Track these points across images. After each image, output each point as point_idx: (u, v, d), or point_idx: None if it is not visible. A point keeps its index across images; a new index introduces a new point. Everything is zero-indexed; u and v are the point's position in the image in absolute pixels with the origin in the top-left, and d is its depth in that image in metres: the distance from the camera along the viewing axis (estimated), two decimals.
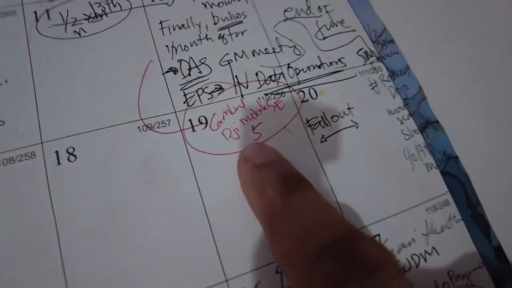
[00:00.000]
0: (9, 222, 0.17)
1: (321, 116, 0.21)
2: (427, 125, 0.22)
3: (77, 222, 0.18)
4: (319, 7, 0.24)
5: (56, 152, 0.19)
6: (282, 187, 0.17)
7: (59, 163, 0.18)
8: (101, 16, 0.22)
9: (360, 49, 0.24)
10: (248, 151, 0.19)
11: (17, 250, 0.17)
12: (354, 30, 0.24)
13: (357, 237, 0.15)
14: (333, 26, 0.24)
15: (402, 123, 0.22)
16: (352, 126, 0.22)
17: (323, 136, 0.21)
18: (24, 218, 0.17)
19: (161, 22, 0.22)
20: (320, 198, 0.17)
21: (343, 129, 0.21)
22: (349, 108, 0.22)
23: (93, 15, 0.22)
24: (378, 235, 0.20)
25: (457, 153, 0.22)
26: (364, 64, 0.23)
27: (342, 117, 0.22)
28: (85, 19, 0.22)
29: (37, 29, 0.21)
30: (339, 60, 0.23)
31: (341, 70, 0.23)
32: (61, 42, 0.21)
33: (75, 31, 0.21)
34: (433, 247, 0.20)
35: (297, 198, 0.16)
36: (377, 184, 0.21)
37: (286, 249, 0.15)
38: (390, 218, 0.20)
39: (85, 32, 0.21)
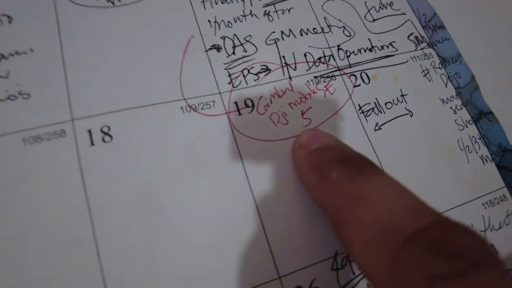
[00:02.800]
0: (38, 209, 0.15)
1: (375, 103, 0.20)
2: (481, 116, 0.21)
3: (113, 210, 0.16)
4: None
5: (89, 131, 0.17)
6: (349, 170, 0.15)
7: (92, 144, 0.16)
8: None
9: (411, 34, 0.22)
10: (304, 137, 0.17)
11: (48, 241, 0.15)
12: (404, 14, 0.23)
13: (449, 225, 0.13)
14: (382, 8, 0.22)
15: (455, 113, 0.21)
16: (407, 114, 0.20)
17: (377, 124, 0.20)
18: (54, 204, 0.15)
19: None
20: (396, 182, 0.15)
21: (397, 117, 0.20)
22: (402, 95, 0.21)
23: None
24: None
25: None
26: (416, 50, 0.22)
27: (396, 104, 0.20)
28: None
29: None
30: (390, 44, 0.22)
31: (393, 55, 0.21)
32: (93, 10, 0.19)
33: (108, 0, 0.19)
34: (491, 245, 0.19)
35: (370, 181, 0.15)
36: (434, 176, 0.19)
37: (364, 237, 0.13)
38: (447, 212, 0.19)
39: (119, 1, 0.19)
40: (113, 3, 0.19)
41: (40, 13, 0.18)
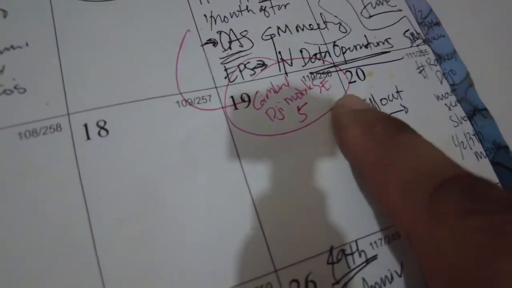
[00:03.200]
0: (33, 204, 0.15)
1: (370, 99, 0.20)
2: (475, 112, 0.21)
3: (109, 206, 0.16)
4: None
5: (85, 125, 0.17)
6: (391, 126, 0.17)
7: (88, 138, 0.16)
8: None
9: (407, 30, 0.22)
10: (346, 99, 0.19)
11: (44, 237, 0.15)
12: (400, 10, 0.23)
13: (478, 177, 0.14)
14: (378, 5, 0.23)
15: (450, 109, 0.21)
16: (401, 110, 0.20)
17: None
18: (50, 199, 0.15)
19: None
20: (430, 142, 0.16)
21: (392, 113, 0.20)
22: (397, 91, 0.21)
23: None
24: None
25: (507, 143, 0.21)
26: (411, 46, 0.22)
27: (391, 101, 0.20)
28: None
29: None
30: (386, 40, 0.22)
31: (389, 51, 0.21)
32: (88, 4, 0.19)
33: None
34: None
35: (410, 136, 0.16)
36: None
37: (403, 179, 0.15)
38: None
39: None
40: None
41: (35, 6, 0.18)
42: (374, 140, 0.16)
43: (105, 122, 0.17)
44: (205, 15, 0.20)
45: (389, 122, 0.17)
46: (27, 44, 0.17)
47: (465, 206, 0.13)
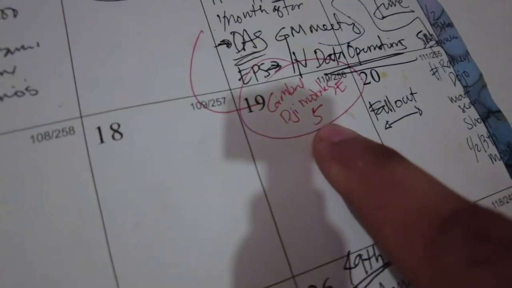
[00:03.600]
0: (47, 208, 0.15)
1: (385, 100, 0.20)
2: (489, 114, 0.21)
3: (123, 209, 0.15)
4: None
5: (99, 128, 0.16)
6: (375, 157, 0.15)
7: (102, 141, 0.16)
8: None
9: (420, 32, 0.22)
10: (325, 131, 0.17)
11: (58, 240, 0.14)
12: (413, 11, 0.23)
13: (482, 210, 0.13)
14: (391, 5, 0.22)
15: (464, 111, 0.21)
16: (416, 112, 0.20)
17: (387, 122, 0.19)
18: (64, 203, 0.15)
19: None
20: (422, 169, 0.15)
21: (407, 115, 0.20)
22: (412, 93, 0.20)
23: None
24: None
25: None
26: (424, 48, 0.22)
27: (406, 103, 0.20)
28: None
29: None
30: (399, 42, 0.21)
31: (402, 53, 0.21)
32: (99, 3, 0.18)
33: None
34: None
35: (398, 167, 0.15)
36: (443, 175, 0.19)
37: (398, 221, 0.13)
38: None
39: None
40: None
41: (46, 5, 0.18)
42: (359, 178, 0.15)
43: (119, 125, 0.16)
44: (218, 15, 0.19)
45: (372, 153, 0.16)
46: (38, 44, 0.17)
47: (470, 253, 0.11)
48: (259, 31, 0.20)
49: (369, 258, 0.17)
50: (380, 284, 0.17)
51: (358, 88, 0.20)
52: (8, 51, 0.16)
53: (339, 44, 0.20)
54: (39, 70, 0.16)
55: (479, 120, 0.21)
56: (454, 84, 0.22)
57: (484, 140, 0.21)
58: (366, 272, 0.17)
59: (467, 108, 0.21)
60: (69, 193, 0.15)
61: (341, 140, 0.17)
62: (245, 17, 0.20)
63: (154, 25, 0.18)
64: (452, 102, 0.21)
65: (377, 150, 0.16)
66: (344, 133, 0.17)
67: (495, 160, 0.20)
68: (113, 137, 0.16)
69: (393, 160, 0.15)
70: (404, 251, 0.13)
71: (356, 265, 0.17)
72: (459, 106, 0.21)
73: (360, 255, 0.17)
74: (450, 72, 0.22)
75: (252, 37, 0.19)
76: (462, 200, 0.13)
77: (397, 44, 0.21)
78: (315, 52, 0.20)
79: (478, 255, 0.11)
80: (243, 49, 0.19)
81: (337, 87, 0.20)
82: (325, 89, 0.19)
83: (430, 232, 0.12)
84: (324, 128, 0.18)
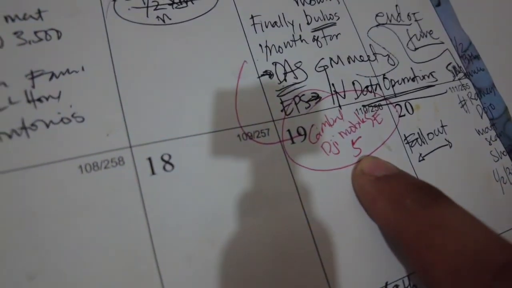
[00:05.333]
0: (98, 240, 0.15)
1: (418, 133, 0.21)
2: None
3: (175, 242, 0.16)
4: (408, 15, 0.23)
5: (149, 159, 0.16)
6: (422, 197, 0.15)
7: (153, 173, 0.16)
8: (186, 2, 0.19)
9: (449, 64, 0.23)
10: (366, 164, 0.18)
11: (110, 275, 0.14)
12: (442, 43, 0.23)
13: None
14: (423, 37, 0.23)
15: (490, 144, 0.22)
16: (446, 145, 0.21)
17: (420, 154, 0.20)
18: (115, 235, 0.15)
19: (252, 17, 0.20)
20: (469, 213, 0.15)
21: (438, 148, 0.21)
22: (442, 126, 0.21)
23: (177, 0, 0.19)
24: None
25: None
26: (454, 80, 0.23)
27: (437, 135, 0.21)
28: (169, 4, 0.19)
29: (114, 9, 0.18)
30: (431, 74, 0.22)
31: (433, 85, 0.22)
32: (144, 27, 0.18)
33: (158, 17, 0.19)
34: None
35: (446, 208, 0.15)
36: (473, 207, 0.20)
37: (449, 265, 0.14)
38: None
39: (170, 19, 0.19)
40: (163, 20, 0.19)
41: (90, 27, 0.17)
42: (407, 216, 0.15)
43: (169, 156, 0.16)
44: (260, 45, 0.20)
45: (420, 192, 0.16)
46: (83, 69, 0.17)
47: None
48: (300, 61, 0.20)
49: None
50: None
51: (394, 121, 0.20)
52: (53, 74, 0.16)
53: (375, 76, 0.21)
54: (85, 96, 0.16)
55: (504, 153, 0.22)
56: (481, 117, 0.22)
57: (510, 173, 0.22)
58: None
59: (493, 141, 0.22)
60: (120, 225, 0.15)
61: (385, 175, 0.17)
62: (285, 47, 0.20)
63: (198, 52, 0.18)
64: (479, 134, 0.22)
65: (424, 189, 0.16)
66: (386, 167, 0.18)
67: None
68: (164, 168, 0.16)
69: (441, 201, 0.15)
70: None
71: None
72: (485, 138, 0.22)
73: (396, 286, 0.18)
74: (477, 105, 0.23)
75: (293, 67, 0.20)
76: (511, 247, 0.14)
77: (428, 77, 0.22)
78: (353, 83, 0.20)
79: None
80: (285, 79, 0.19)
81: (375, 119, 0.20)
82: (363, 121, 0.20)
83: (486, 278, 0.13)
84: (364, 162, 0.18)
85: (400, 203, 0.16)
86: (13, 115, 0.15)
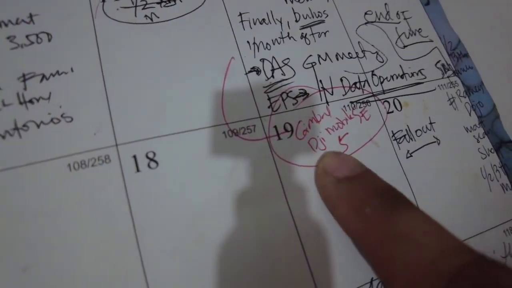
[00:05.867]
0: (84, 237, 0.15)
1: (406, 130, 0.21)
2: (501, 144, 0.22)
3: (159, 238, 0.16)
4: (397, 13, 0.23)
5: (134, 156, 0.16)
6: (382, 205, 0.15)
7: (138, 170, 0.16)
8: (173, 0, 0.19)
9: (438, 61, 0.23)
10: (328, 162, 0.18)
11: (95, 270, 0.14)
12: (431, 41, 0.23)
13: (488, 264, 0.13)
14: (411, 35, 0.23)
15: (478, 141, 0.22)
16: (434, 142, 0.21)
17: (408, 151, 0.20)
18: (102, 232, 0.15)
19: (240, 14, 0.20)
20: (430, 218, 0.15)
21: (426, 144, 0.21)
22: (431, 123, 0.21)
23: None
24: None
25: None
26: (442, 78, 0.23)
27: (425, 132, 0.21)
28: (157, 3, 0.19)
29: (103, 10, 0.18)
30: (420, 71, 0.22)
31: (422, 82, 0.22)
32: (132, 27, 0.18)
33: (146, 16, 0.19)
34: None
35: (405, 217, 0.15)
36: (459, 204, 0.20)
37: (406, 277, 0.14)
38: (471, 239, 0.20)
39: (158, 17, 0.19)
40: (151, 19, 0.19)
41: (79, 29, 0.18)
42: (367, 225, 0.15)
43: (154, 154, 0.16)
44: (248, 42, 0.20)
45: (381, 199, 0.16)
46: (72, 70, 0.17)
47: None
48: (287, 58, 0.20)
49: None
50: None
51: (382, 117, 0.20)
52: (43, 76, 0.16)
53: (364, 73, 0.21)
54: (74, 97, 0.16)
55: (492, 150, 0.22)
56: (470, 114, 0.22)
57: (497, 170, 0.22)
58: None
59: (481, 138, 0.22)
60: (106, 221, 0.15)
61: (347, 177, 0.17)
62: (273, 44, 0.20)
63: (185, 49, 0.18)
64: (467, 132, 0.22)
65: (385, 195, 0.16)
66: (348, 167, 0.17)
67: (507, 189, 0.21)
68: (149, 165, 0.16)
69: (401, 208, 0.15)
70: None
71: None
72: (474, 136, 0.22)
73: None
74: (466, 102, 0.23)
75: (281, 64, 0.20)
76: (469, 251, 0.14)
77: (417, 74, 0.22)
78: (341, 80, 0.20)
79: None
80: (272, 76, 0.19)
81: (362, 115, 0.20)
82: (351, 118, 0.20)
83: (442, 284, 0.13)
84: (327, 159, 0.18)
85: (360, 211, 0.16)
86: (6, 116, 0.16)
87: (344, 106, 0.20)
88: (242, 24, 0.20)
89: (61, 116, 0.16)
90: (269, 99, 0.19)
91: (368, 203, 0.16)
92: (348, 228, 0.17)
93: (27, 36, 0.17)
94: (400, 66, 0.22)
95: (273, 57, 0.20)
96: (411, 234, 0.14)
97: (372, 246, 0.15)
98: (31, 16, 0.17)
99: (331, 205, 0.17)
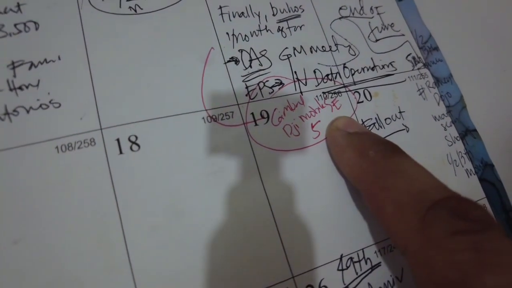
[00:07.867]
0: (72, 213, 0.16)
1: (375, 118, 0.22)
2: (467, 133, 0.24)
3: (141, 215, 0.17)
4: (371, 8, 0.25)
5: (118, 140, 0.17)
6: (384, 150, 0.18)
7: (121, 152, 0.17)
8: None
9: (409, 54, 0.24)
10: (341, 121, 0.20)
11: (81, 244, 0.16)
12: (403, 35, 0.25)
13: (464, 198, 0.16)
14: (384, 29, 0.24)
15: (445, 129, 0.23)
16: (403, 129, 0.22)
17: None
18: (87, 209, 0.16)
19: (220, 7, 0.21)
20: (419, 164, 0.18)
21: (395, 132, 0.22)
22: (400, 112, 0.23)
23: None
24: None
25: (492, 161, 0.23)
26: (413, 70, 0.24)
27: (394, 120, 0.22)
28: None
29: (89, 0, 0.19)
30: (390, 63, 0.24)
31: (392, 74, 0.23)
32: (116, 17, 0.19)
33: (130, 7, 0.20)
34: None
35: (401, 159, 0.18)
36: None
37: (398, 201, 0.16)
38: None
39: (141, 9, 0.20)
40: (135, 10, 0.20)
41: (65, 19, 0.19)
42: (368, 164, 0.18)
43: (136, 137, 0.18)
44: (227, 33, 0.21)
45: (382, 146, 0.19)
46: (59, 58, 0.18)
47: (452, 227, 0.14)
48: (265, 49, 0.21)
49: (359, 261, 0.19)
50: (369, 284, 0.19)
51: (352, 106, 0.22)
52: (32, 64, 0.17)
53: (336, 65, 0.22)
54: (61, 83, 0.17)
55: (458, 138, 0.23)
56: (438, 104, 0.24)
57: (462, 156, 0.23)
58: (357, 273, 0.19)
59: (449, 127, 0.23)
60: (92, 199, 0.16)
61: (356, 132, 0.20)
62: (252, 36, 0.21)
63: (167, 39, 0.20)
64: (435, 120, 0.23)
65: (386, 144, 0.19)
66: (358, 126, 0.20)
67: (470, 174, 0.23)
68: (131, 148, 0.17)
69: (398, 152, 0.18)
70: (400, 224, 0.16)
71: (347, 267, 0.19)
72: (441, 124, 0.23)
73: (351, 258, 0.19)
74: (435, 93, 0.24)
75: (258, 55, 0.21)
76: (449, 190, 0.17)
77: (388, 66, 0.23)
78: (315, 72, 0.22)
79: (458, 228, 0.14)
80: (250, 66, 0.21)
81: (334, 105, 0.21)
82: (323, 107, 0.21)
83: (423, 210, 0.15)
84: (340, 119, 0.21)
85: (364, 153, 0.18)
86: None
87: (316, 96, 0.21)
88: (222, 17, 0.21)
89: (50, 102, 0.17)
90: (246, 87, 0.20)
91: (372, 148, 0.18)
92: (351, 169, 0.19)
93: (15, 25, 0.18)
94: (372, 59, 0.23)
95: (251, 48, 0.21)
96: (405, 170, 0.17)
97: (370, 181, 0.18)
98: (18, 5, 0.18)
99: (339, 151, 0.20)
